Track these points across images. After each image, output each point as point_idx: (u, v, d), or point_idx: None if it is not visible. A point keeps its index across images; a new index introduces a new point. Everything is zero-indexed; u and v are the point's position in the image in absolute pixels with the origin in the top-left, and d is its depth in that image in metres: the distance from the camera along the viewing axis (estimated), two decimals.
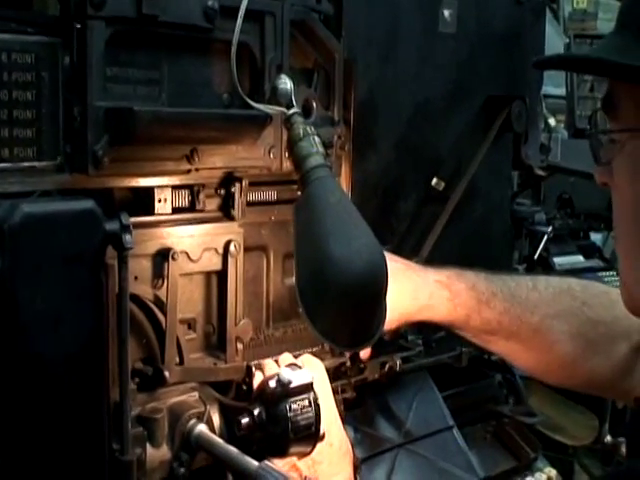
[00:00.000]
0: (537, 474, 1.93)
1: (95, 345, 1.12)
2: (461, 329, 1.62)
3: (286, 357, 1.46)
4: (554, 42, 2.89)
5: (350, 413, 1.64)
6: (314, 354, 1.52)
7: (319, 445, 1.35)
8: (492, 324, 1.57)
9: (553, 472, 1.96)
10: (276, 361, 1.45)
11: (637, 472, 0.81)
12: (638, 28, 0.93)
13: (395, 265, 1.52)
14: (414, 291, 1.53)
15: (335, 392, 1.50)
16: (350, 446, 1.46)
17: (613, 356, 1.49)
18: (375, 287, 1.25)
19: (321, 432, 1.34)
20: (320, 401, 1.37)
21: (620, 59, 0.91)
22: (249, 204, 1.46)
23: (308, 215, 1.26)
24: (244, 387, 1.44)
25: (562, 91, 2.90)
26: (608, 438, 2.26)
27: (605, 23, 4.39)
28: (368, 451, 1.67)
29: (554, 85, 2.96)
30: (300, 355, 1.49)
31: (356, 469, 1.46)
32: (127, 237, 1.11)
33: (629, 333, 1.48)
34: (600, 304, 1.55)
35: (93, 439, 1.13)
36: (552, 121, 2.63)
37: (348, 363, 1.63)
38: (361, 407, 1.73)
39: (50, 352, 1.07)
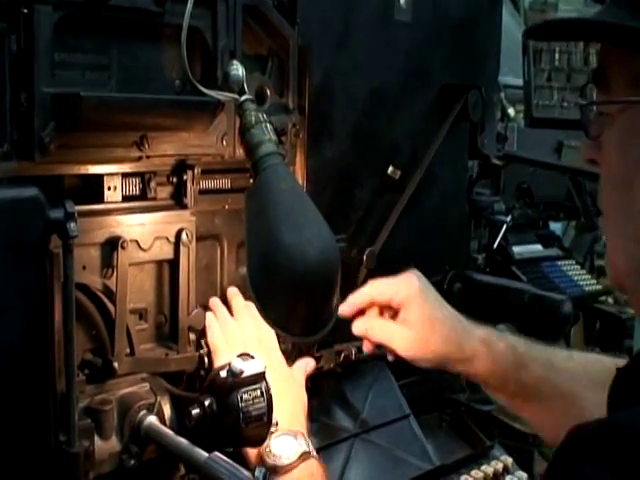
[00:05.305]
0: (493, 462, 1.93)
1: (40, 335, 1.10)
2: (497, 389, 1.58)
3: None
4: (513, 32, 2.89)
5: None
6: None
7: None
8: (528, 388, 1.52)
9: (509, 460, 1.96)
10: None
11: (617, 425, 0.80)
12: (632, 3, 0.91)
13: (447, 311, 1.53)
14: (459, 343, 1.51)
15: None
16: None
17: None
18: (327, 276, 1.24)
19: (273, 421, 1.33)
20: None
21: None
22: (202, 192, 1.45)
23: (259, 203, 1.25)
24: (202, 372, 1.43)
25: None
26: None
27: (565, 14, 4.40)
28: (324, 441, 1.67)
29: (515, 75, 2.96)
30: None
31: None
32: (72, 225, 1.10)
33: None
34: None
35: (39, 431, 1.12)
36: (511, 111, 2.64)
37: None
38: (317, 397, 1.72)
39: None
